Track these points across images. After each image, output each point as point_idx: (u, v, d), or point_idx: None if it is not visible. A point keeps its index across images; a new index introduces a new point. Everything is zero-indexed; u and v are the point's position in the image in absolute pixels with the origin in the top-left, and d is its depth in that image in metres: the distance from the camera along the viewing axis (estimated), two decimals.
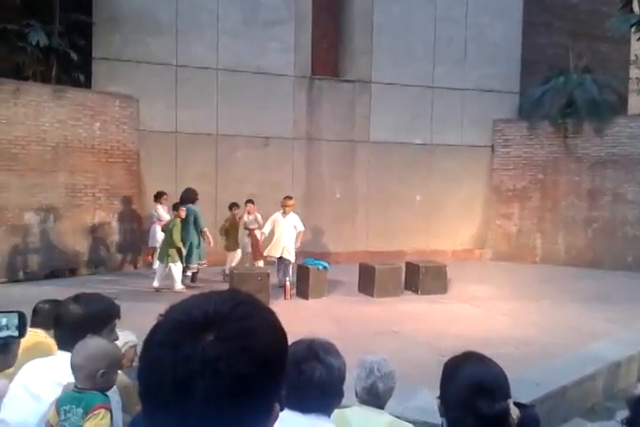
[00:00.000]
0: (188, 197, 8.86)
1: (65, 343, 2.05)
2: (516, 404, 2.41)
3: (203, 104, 10.68)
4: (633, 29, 13.18)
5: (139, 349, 1.79)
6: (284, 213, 8.95)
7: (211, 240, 8.88)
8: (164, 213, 9.36)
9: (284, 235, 8.86)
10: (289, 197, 9.14)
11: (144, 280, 9.18)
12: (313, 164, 11.74)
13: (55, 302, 2.70)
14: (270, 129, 11.19)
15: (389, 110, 11.99)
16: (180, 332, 0.77)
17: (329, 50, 12.30)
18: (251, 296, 0.86)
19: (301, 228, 9.05)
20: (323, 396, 1.75)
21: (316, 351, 1.78)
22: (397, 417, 2.75)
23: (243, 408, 0.77)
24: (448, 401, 1.59)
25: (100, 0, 10.11)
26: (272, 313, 0.86)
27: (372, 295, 8.49)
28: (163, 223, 8.99)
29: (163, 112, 10.42)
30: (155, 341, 0.79)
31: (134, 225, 10.31)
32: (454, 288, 9.08)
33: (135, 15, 10.21)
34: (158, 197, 9.47)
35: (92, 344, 1.96)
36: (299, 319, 6.78)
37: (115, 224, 10.08)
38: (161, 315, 0.82)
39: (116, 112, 10.01)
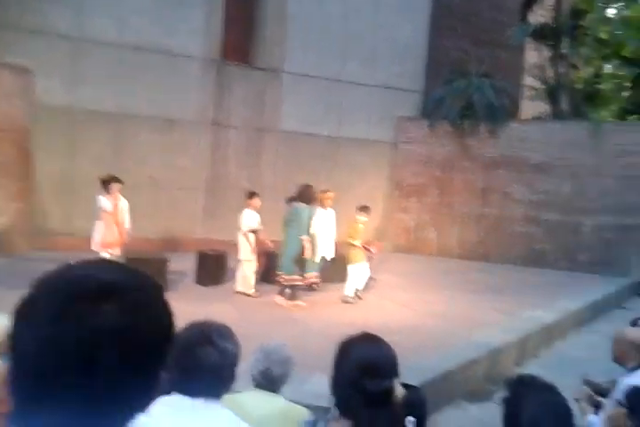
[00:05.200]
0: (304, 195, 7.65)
1: None
2: (404, 385, 2.51)
3: (103, 81, 10.17)
4: (528, 39, 14.09)
5: None
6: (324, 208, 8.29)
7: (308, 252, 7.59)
8: (107, 202, 7.50)
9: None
10: (328, 190, 8.49)
11: (34, 264, 8.66)
12: (219, 150, 11.55)
13: None
14: (175, 111, 10.88)
15: (300, 101, 12.04)
16: (77, 303, 0.72)
17: (241, 36, 12.11)
18: (133, 267, 0.84)
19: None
20: (213, 380, 1.74)
21: (210, 336, 1.76)
22: (291, 401, 2.79)
23: (146, 378, 0.77)
24: (338, 379, 1.63)
25: None
26: (157, 283, 0.85)
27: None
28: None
29: (60, 87, 9.82)
30: (45, 316, 0.72)
31: (22, 205, 9.66)
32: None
33: None
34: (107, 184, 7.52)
35: None
36: (200, 306, 6.70)
37: (1, 203, 9.40)
38: (35, 286, 0.76)
39: (7, 84, 9.31)
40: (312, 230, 7.95)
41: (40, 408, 0.72)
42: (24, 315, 0.74)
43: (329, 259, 8.40)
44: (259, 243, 8.00)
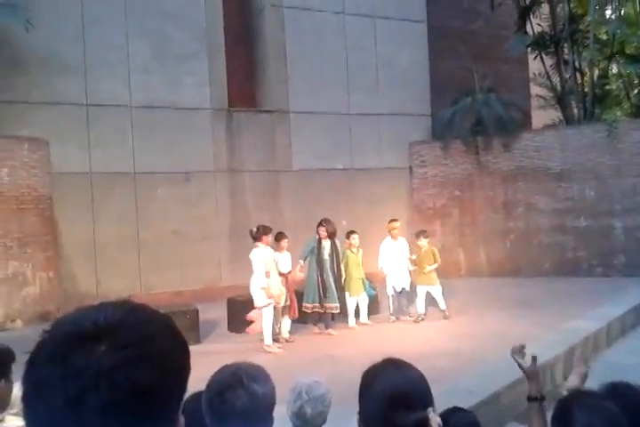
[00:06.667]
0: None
1: None
2: (455, 409, 2.39)
3: (117, 143, 10.47)
4: (529, 50, 14.14)
5: None
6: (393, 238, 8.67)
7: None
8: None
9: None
10: (395, 220, 8.83)
11: None
12: (237, 196, 11.69)
13: None
14: (190, 164, 11.09)
15: (309, 138, 12.18)
16: (69, 344, 0.71)
17: (245, 81, 12.42)
18: (145, 304, 0.81)
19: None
20: (247, 424, 1.69)
21: (240, 378, 1.72)
22: None
23: (145, 421, 0.72)
24: (365, 414, 1.50)
25: (0, 43, 9.82)
26: (169, 319, 0.81)
27: (304, 322, 8.42)
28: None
29: (75, 153, 10.12)
30: (40, 358, 0.72)
31: (51, 273, 9.81)
32: (385, 308, 9.16)
33: (40, 56, 9.97)
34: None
35: None
36: (235, 353, 6.67)
37: (30, 274, 9.56)
38: (45, 331, 0.76)
39: (24, 156, 9.61)
40: (380, 262, 8.50)
41: None
42: (29, 358, 0.74)
43: (401, 289, 8.61)
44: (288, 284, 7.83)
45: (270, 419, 1.77)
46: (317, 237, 8.10)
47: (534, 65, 14.56)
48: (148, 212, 10.67)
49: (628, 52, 14.79)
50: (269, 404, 1.76)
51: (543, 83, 14.01)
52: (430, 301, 8.64)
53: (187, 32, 11.23)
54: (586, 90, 13.61)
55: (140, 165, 10.66)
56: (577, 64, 13.61)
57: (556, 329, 7.18)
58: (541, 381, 2.29)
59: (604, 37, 14.98)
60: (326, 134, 12.33)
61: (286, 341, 7.66)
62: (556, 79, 13.81)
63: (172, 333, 0.79)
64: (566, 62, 13.61)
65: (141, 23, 10.82)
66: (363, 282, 8.40)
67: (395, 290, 8.58)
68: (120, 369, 0.70)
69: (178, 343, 0.78)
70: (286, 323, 7.81)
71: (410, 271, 8.69)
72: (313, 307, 7.92)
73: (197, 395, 2.85)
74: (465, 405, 4.42)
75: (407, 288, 8.65)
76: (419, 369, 1.53)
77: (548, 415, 1.85)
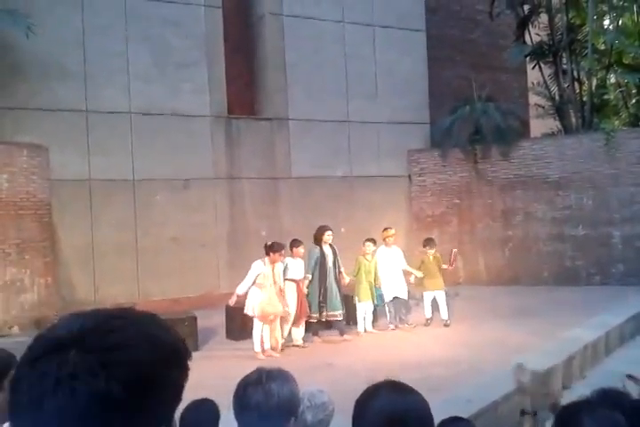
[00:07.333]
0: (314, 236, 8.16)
1: None
2: (454, 418, 2.40)
3: (117, 149, 10.47)
4: (527, 59, 14.22)
5: None
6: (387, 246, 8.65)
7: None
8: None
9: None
10: (389, 228, 8.82)
11: None
12: (236, 203, 11.70)
13: None
14: (190, 170, 11.10)
15: (308, 146, 12.20)
16: (42, 350, 0.72)
17: (244, 89, 12.45)
18: (137, 311, 0.79)
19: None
20: (260, 421, 1.74)
21: (261, 376, 1.81)
22: None
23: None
24: None
25: (0, 50, 9.85)
26: (158, 328, 0.78)
27: (306, 331, 8.40)
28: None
29: (74, 160, 10.13)
30: (20, 362, 0.75)
31: (49, 280, 9.79)
32: (382, 315, 9.14)
33: (40, 63, 9.99)
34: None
35: None
36: (233, 361, 6.67)
37: (27, 280, 9.54)
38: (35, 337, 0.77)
39: (24, 162, 9.61)
40: (379, 271, 8.43)
41: None
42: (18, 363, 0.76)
43: (393, 298, 8.51)
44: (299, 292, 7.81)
45: (284, 421, 1.78)
46: (318, 246, 8.06)
47: (533, 74, 14.63)
48: (146, 218, 10.66)
49: (625, 61, 14.87)
50: (287, 405, 1.79)
51: (541, 92, 14.07)
52: (434, 307, 8.65)
53: (187, 39, 11.27)
54: (584, 99, 13.66)
55: (139, 171, 10.67)
56: (575, 74, 13.68)
57: (555, 338, 7.16)
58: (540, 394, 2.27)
59: (602, 47, 15.06)
60: (325, 142, 12.36)
61: (299, 347, 7.68)
62: (554, 88, 13.88)
63: (151, 342, 0.75)
64: (564, 72, 13.68)
65: (142, 30, 10.86)
66: (371, 290, 8.36)
67: (389, 298, 8.57)
68: (80, 376, 0.69)
69: (155, 353, 0.74)
70: (298, 330, 7.81)
71: (405, 279, 8.69)
72: (315, 316, 7.92)
73: (196, 403, 2.83)
74: (463, 414, 4.41)
75: (402, 296, 8.59)
76: (420, 393, 1.46)
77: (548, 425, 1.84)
